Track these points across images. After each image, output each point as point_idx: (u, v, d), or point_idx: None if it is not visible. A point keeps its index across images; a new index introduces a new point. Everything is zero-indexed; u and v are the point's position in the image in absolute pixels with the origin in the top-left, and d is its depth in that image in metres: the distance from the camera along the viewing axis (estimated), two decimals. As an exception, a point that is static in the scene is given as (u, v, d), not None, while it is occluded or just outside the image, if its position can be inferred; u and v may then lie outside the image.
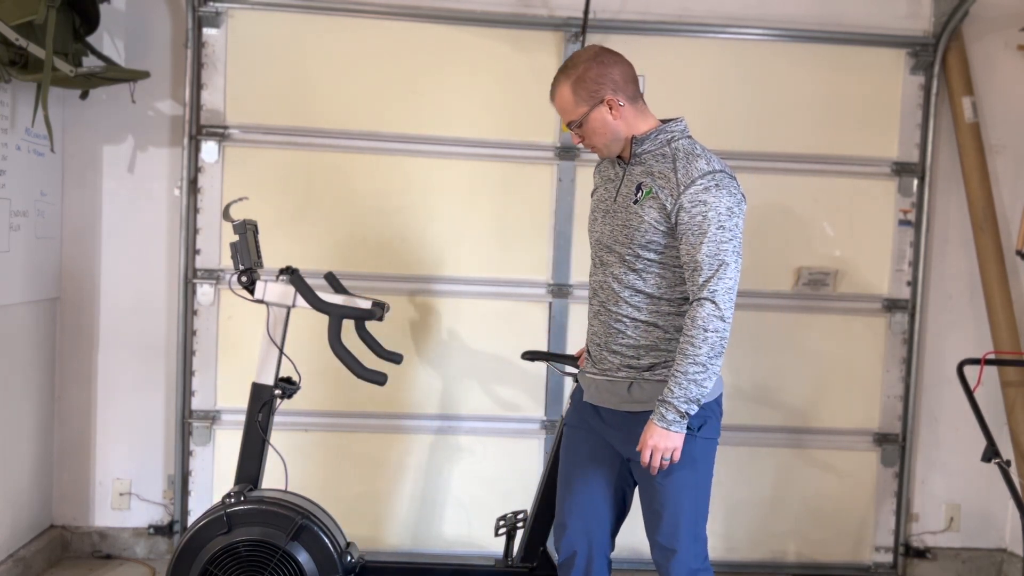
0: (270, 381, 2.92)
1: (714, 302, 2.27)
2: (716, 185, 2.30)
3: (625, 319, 2.42)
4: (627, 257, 2.39)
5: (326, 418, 3.78)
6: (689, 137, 2.42)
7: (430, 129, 3.75)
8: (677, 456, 2.31)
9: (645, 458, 2.31)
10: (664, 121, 2.44)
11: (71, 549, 3.80)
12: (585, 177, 3.78)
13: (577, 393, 2.65)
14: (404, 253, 3.78)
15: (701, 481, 2.45)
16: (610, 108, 2.37)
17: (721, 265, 2.28)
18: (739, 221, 2.32)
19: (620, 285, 2.42)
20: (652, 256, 2.37)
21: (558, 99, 2.43)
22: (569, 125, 2.43)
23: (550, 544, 3.17)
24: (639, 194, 2.38)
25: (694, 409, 2.29)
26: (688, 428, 2.33)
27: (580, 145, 2.50)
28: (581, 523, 2.55)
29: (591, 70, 2.37)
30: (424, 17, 3.72)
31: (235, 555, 2.76)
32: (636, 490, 2.57)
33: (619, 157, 2.48)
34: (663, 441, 2.29)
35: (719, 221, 2.28)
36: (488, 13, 3.73)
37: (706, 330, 2.26)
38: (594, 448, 2.54)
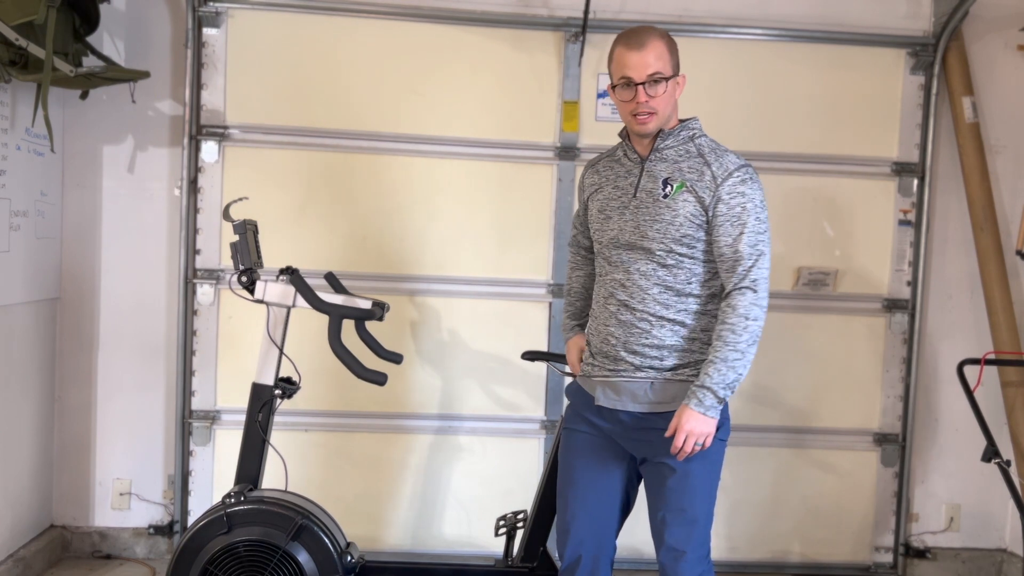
0: (270, 381, 2.92)
1: (755, 291, 2.31)
2: (751, 178, 2.35)
3: (651, 317, 2.39)
4: (658, 252, 2.37)
5: (326, 418, 3.78)
6: (706, 135, 2.45)
7: (430, 129, 3.76)
8: (709, 442, 2.32)
9: (679, 442, 2.30)
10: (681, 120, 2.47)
11: (71, 549, 3.80)
12: (585, 177, 3.77)
13: (576, 395, 2.60)
14: (404, 253, 3.78)
15: (713, 483, 2.45)
16: (677, 86, 2.40)
17: (760, 256, 2.33)
18: (767, 215, 2.38)
19: (648, 282, 2.39)
20: (684, 250, 2.37)
21: (655, 48, 2.33)
22: (652, 77, 2.32)
23: (550, 544, 3.17)
24: (668, 188, 2.37)
25: (729, 396, 2.31)
26: None
27: (639, 103, 2.33)
28: (588, 527, 2.51)
29: (675, 47, 2.40)
30: (424, 17, 3.72)
31: (235, 555, 2.76)
32: (639, 491, 2.56)
33: (632, 151, 2.45)
34: (700, 426, 2.29)
35: (756, 213, 2.33)
36: (488, 13, 3.73)
37: (747, 318, 2.30)
38: (600, 451, 2.51)
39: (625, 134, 2.51)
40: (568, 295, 2.82)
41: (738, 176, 2.34)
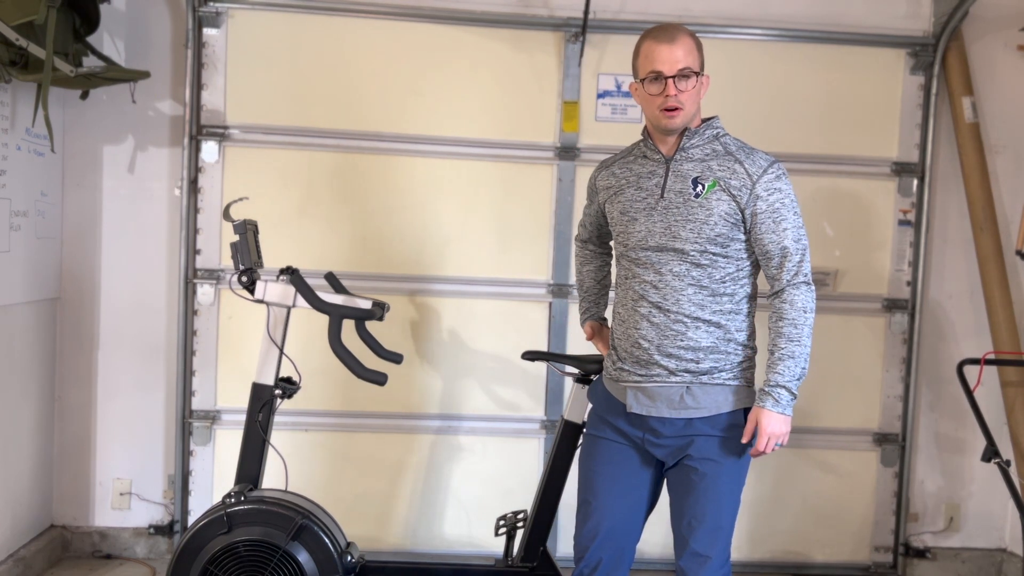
0: (270, 381, 2.92)
1: (808, 284, 2.36)
2: (784, 174, 2.39)
3: (686, 319, 2.36)
4: (692, 252, 2.35)
5: (326, 418, 3.78)
6: (729, 133, 2.45)
7: (430, 129, 3.76)
8: (786, 440, 2.35)
9: (760, 446, 2.33)
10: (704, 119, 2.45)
11: (71, 549, 3.80)
12: (585, 177, 3.74)
13: (601, 399, 2.55)
14: (404, 253, 3.78)
15: (740, 488, 2.45)
16: (703, 85, 2.39)
17: (806, 249, 2.37)
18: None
19: (682, 282, 2.36)
20: (717, 250, 2.35)
21: (685, 44, 2.33)
22: (682, 72, 2.31)
23: (550, 544, 3.17)
24: (699, 188, 2.35)
25: (798, 388, 2.34)
26: (738, 439, 2.38)
27: (669, 96, 2.31)
28: (611, 533, 2.48)
29: (702, 46, 2.39)
30: (424, 17, 3.72)
31: (235, 555, 2.76)
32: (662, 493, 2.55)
33: (654, 151, 2.43)
34: (780, 426, 2.32)
35: (793, 208, 2.37)
36: (488, 13, 3.73)
37: (806, 312, 2.34)
38: (627, 459, 2.47)
39: (647, 133, 2.47)
40: (581, 290, 2.83)
41: (773, 173, 2.36)
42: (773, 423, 2.32)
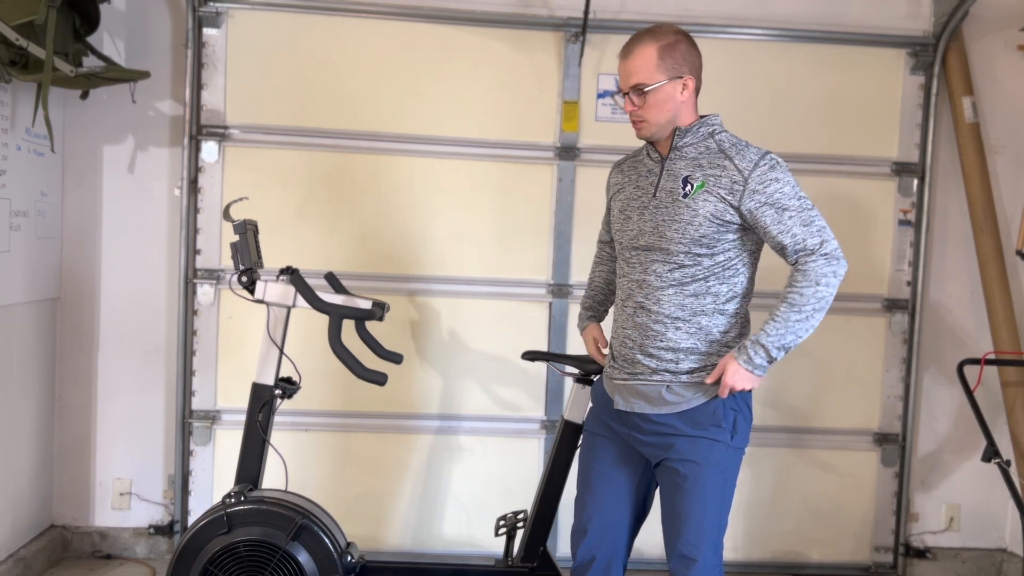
0: (270, 381, 2.92)
1: (827, 257, 2.28)
2: (778, 164, 2.32)
3: (666, 319, 2.36)
4: (677, 253, 2.34)
5: (326, 418, 3.78)
6: (726, 131, 2.42)
7: (430, 129, 3.76)
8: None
9: (724, 393, 2.30)
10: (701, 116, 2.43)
11: (71, 549, 3.80)
12: (586, 177, 3.78)
13: (598, 398, 2.59)
14: (404, 253, 3.78)
15: (728, 491, 2.42)
16: (683, 88, 2.34)
17: (822, 229, 2.30)
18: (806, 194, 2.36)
19: (663, 282, 2.36)
20: (703, 251, 2.33)
21: (639, 58, 2.31)
22: (635, 88, 2.32)
23: (550, 544, 3.17)
24: (688, 188, 2.34)
25: (781, 357, 2.28)
26: (719, 440, 2.35)
27: (628, 113, 2.35)
28: (603, 529, 2.50)
29: (681, 44, 2.34)
30: (424, 17, 3.72)
31: (235, 555, 2.76)
32: (656, 493, 2.54)
33: (654, 151, 2.44)
34: (744, 384, 2.29)
35: (796, 194, 2.30)
36: (488, 13, 3.73)
37: (816, 283, 2.27)
38: (618, 454, 2.50)
39: None
40: (588, 288, 2.83)
41: (765, 164, 2.30)
42: (737, 377, 2.28)
